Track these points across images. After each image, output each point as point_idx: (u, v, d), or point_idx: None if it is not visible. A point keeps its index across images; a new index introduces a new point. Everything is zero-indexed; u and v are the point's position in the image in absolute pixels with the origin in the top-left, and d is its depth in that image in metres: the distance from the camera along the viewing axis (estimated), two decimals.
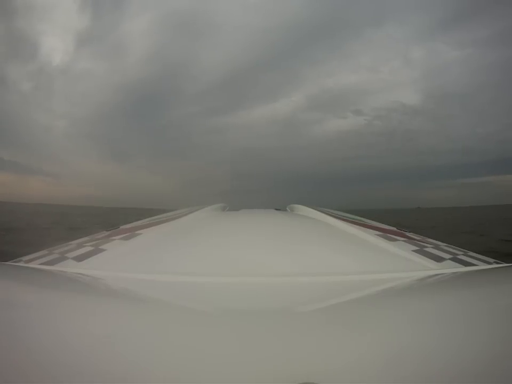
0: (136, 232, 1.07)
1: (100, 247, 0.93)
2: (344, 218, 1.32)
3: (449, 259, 0.89)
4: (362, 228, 1.15)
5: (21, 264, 0.89)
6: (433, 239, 1.13)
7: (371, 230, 1.11)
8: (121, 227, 1.26)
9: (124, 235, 1.05)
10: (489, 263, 0.90)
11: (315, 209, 1.48)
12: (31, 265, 0.86)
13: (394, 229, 1.28)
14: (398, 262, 0.85)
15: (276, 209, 1.75)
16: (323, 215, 1.34)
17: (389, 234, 1.08)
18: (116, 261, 0.84)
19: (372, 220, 1.46)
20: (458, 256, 0.92)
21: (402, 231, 1.24)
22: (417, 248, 0.94)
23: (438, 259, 0.87)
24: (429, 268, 0.81)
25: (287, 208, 1.84)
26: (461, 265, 0.84)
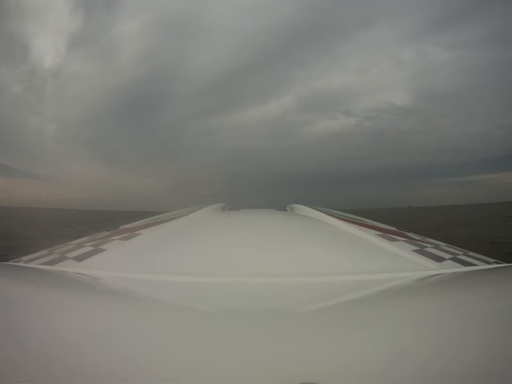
0: (136, 232, 1.07)
1: (100, 247, 0.93)
2: (344, 218, 1.32)
3: (449, 259, 0.89)
4: (362, 227, 1.15)
5: (21, 264, 0.89)
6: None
7: (371, 230, 1.11)
8: (121, 227, 1.26)
9: (124, 235, 1.05)
10: (489, 263, 0.90)
11: (315, 209, 1.48)
12: (31, 265, 0.86)
13: (394, 229, 1.28)
14: (398, 262, 0.85)
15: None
16: (323, 215, 1.34)
17: (389, 234, 1.08)
18: (116, 261, 0.84)
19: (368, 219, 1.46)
20: (458, 256, 0.92)
21: (402, 231, 1.24)
22: (417, 248, 0.94)
23: (438, 259, 0.87)
24: (429, 268, 0.81)
25: (287, 208, 1.84)
26: (461, 265, 0.84)
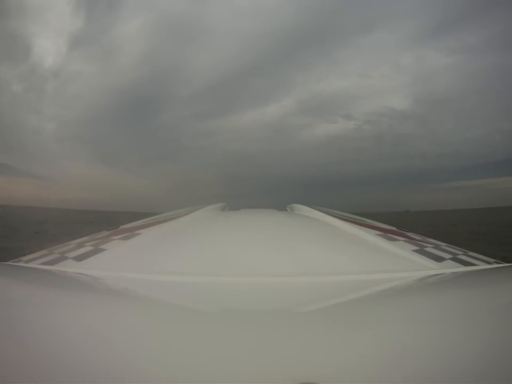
0: (136, 232, 1.07)
1: (99, 247, 0.93)
2: (344, 218, 1.32)
3: (450, 259, 0.89)
4: (362, 227, 1.14)
5: (21, 264, 0.89)
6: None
7: (371, 230, 1.11)
8: (121, 227, 1.26)
9: (124, 235, 1.05)
10: (489, 263, 0.90)
11: (315, 209, 1.48)
12: (31, 265, 0.86)
13: (395, 228, 1.27)
14: (398, 262, 0.85)
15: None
16: (323, 214, 1.34)
17: (389, 234, 1.08)
18: (116, 261, 0.84)
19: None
20: (459, 256, 0.92)
21: (403, 231, 1.24)
22: (417, 248, 0.94)
23: (438, 259, 0.87)
24: (429, 267, 0.81)
25: (287, 208, 1.84)
26: (461, 265, 0.84)
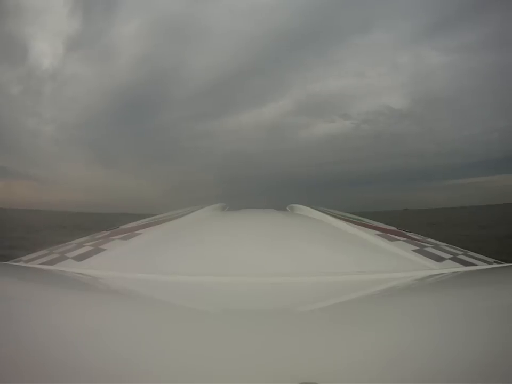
0: (136, 232, 1.07)
1: (99, 247, 0.93)
2: (344, 218, 1.32)
3: (449, 259, 0.89)
4: (362, 227, 1.14)
5: (21, 264, 0.89)
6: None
7: (371, 230, 1.11)
8: (121, 227, 1.26)
9: (124, 235, 1.05)
10: (489, 263, 0.90)
11: (315, 209, 1.48)
12: (31, 265, 0.86)
13: (395, 228, 1.27)
14: (398, 262, 0.85)
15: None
16: (323, 214, 1.34)
17: (389, 234, 1.08)
18: (115, 261, 0.84)
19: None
20: (458, 256, 0.92)
21: (403, 231, 1.24)
22: (417, 248, 0.94)
23: (438, 259, 0.87)
24: (429, 267, 0.81)
25: (287, 208, 1.84)
26: (461, 265, 0.84)
